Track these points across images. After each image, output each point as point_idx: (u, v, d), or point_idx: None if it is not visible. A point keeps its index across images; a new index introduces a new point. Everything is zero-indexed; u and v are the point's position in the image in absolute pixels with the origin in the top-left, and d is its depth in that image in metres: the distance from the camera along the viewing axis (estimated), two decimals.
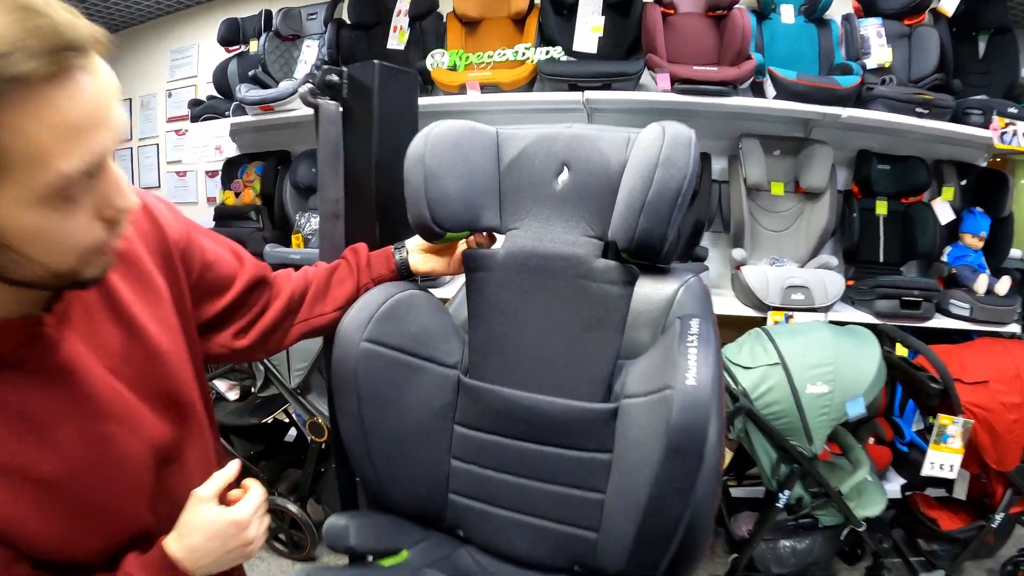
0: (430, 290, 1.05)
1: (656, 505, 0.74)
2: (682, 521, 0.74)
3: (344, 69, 1.07)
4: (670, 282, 1.00)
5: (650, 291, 0.99)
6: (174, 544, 0.68)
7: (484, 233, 1.00)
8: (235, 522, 0.71)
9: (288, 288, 0.93)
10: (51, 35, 0.46)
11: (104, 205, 0.54)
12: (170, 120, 3.51)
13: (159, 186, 3.57)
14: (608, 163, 0.93)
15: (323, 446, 2.09)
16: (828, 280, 2.23)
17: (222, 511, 0.71)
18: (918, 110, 2.28)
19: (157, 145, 3.57)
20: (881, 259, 2.54)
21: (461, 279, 1.03)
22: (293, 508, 2.14)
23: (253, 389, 2.27)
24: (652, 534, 0.77)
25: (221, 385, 2.52)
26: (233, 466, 0.75)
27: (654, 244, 0.84)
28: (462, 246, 1.01)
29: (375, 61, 1.07)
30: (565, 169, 0.97)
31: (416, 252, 1.01)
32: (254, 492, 0.75)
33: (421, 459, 0.98)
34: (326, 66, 1.06)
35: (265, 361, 2.02)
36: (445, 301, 1.11)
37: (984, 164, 2.72)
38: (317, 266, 1.00)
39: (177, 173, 3.50)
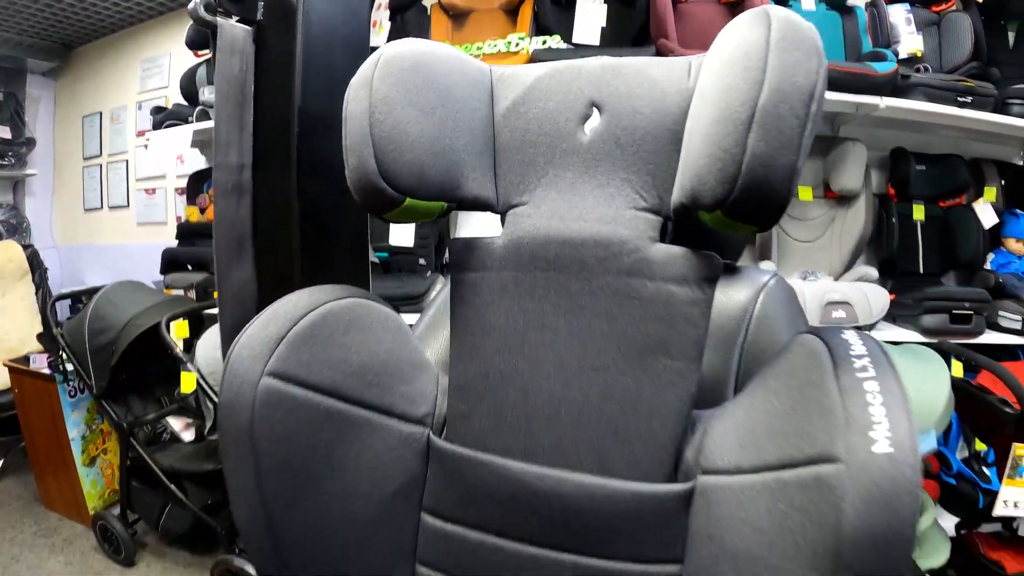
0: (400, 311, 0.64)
1: None
2: None
3: None
4: (742, 285, 0.63)
5: (722, 295, 0.60)
6: None
7: None
8: None
9: None
10: None
11: None
12: (139, 134, 3.13)
13: (127, 205, 3.18)
14: (665, 94, 0.55)
15: None
16: (871, 294, 1.85)
17: None
18: (960, 99, 1.93)
19: (127, 161, 3.18)
20: (921, 270, 2.18)
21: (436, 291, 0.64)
22: (253, 572, 1.71)
23: (204, 431, 1.86)
24: None
25: (176, 424, 2.11)
26: None
27: (776, 183, 0.44)
28: None
29: None
30: (596, 111, 0.58)
31: None
32: None
33: (364, 568, 0.57)
34: None
35: (214, 397, 1.61)
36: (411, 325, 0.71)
37: (1021, 163, 2.38)
38: None
39: (146, 191, 3.11)
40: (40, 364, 2.42)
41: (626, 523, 0.51)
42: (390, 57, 0.53)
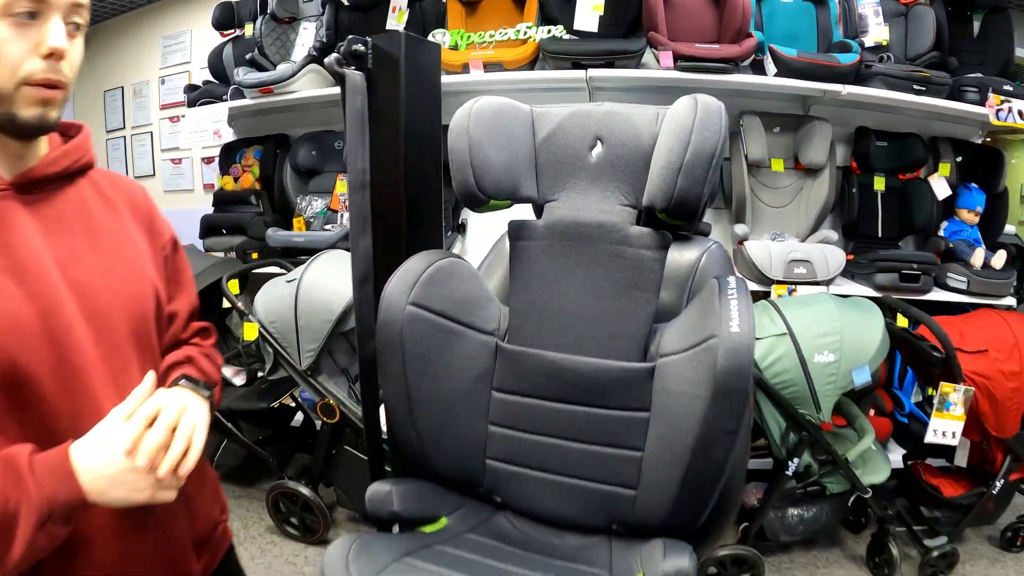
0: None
1: (703, 449, 0.77)
2: (727, 464, 0.77)
3: (369, 39, 1.07)
4: (693, 249, 1.03)
5: (675, 257, 1.01)
6: (80, 456, 0.66)
7: None
8: (132, 434, 0.67)
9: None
10: None
11: (42, 44, 0.65)
12: (163, 107, 3.46)
13: (154, 174, 3.53)
14: (640, 136, 0.95)
15: (334, 428, 2.10)
16: (829, 254, 2.27)
17: (128, 437, 0.67)
18: (916, 87, 2.31)
19: (151, 133, 3.52)
20: (880, 234, 2.59)
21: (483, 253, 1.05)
22: (305, 491, 2.14)
23: (261, 372, 2.27)
24: (696, 481, 0.80)
25: (227, 371, 2.52)
26: (149, 380, 0.73)
27: (691, 203, 0.86)
28: None
29: (400, 31, 1.07)
30: (599, 143, 0.99)
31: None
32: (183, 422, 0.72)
33: (460, 425, 0.99)
34: (351, 36, 1.06)
35: (274, 343, 2.01)
36: None
37: (979, 141, 2.76)
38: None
39: (172, 161, 3.46)
40: None
41: (616, 386, 0.93)
42: (477, 112, 0.94)
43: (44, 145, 0.75)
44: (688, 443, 0.80)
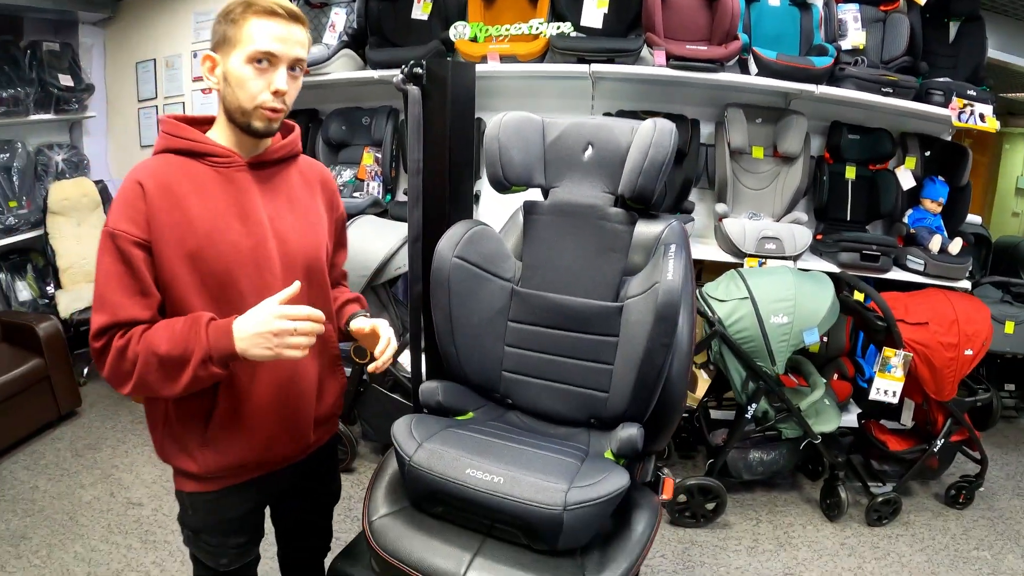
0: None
1: (648, 358, 1.26)
2: (664, 368, 1.26)
3: (424, 63, 1.54)
4: (659, 224, 1.51)
5: (645, 229, 1.50)
6: (238, 324, 1.07)
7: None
8: (273, 313, 1.06)
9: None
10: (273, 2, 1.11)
11: (270, 84, 1.12)
12: (195, 80, 3.92)
13: None
14: (619, 143, 1.44)
15: (363, 368, 2.60)
16: (797, 233, 2.75)
17: (271, 306, 1.07)
18: (884, 89, 2.76)
19: (183, 103, 3.98)
20: (848, 217, 3.07)
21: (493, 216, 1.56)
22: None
23: None
24: (644, 380, 1.29)
25: None
26: (294, 287, 1.11)
27: (647, 194, 1.37)
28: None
29: (448, 59, 1.55)
30: (590, 147, 1.48)
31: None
32: (305, 310, 1.09)
33: (485, 345, 1.49)
34: (413, 61, 1.53)
35: None
36: None
37: (948, 138, 3.20)
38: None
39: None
40: None
41: (596, 319, 1.43)
42: (504, 124, 1.43)
43: (269, 139, 1.23)
44: (639, 355, 1.29)
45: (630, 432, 1.29)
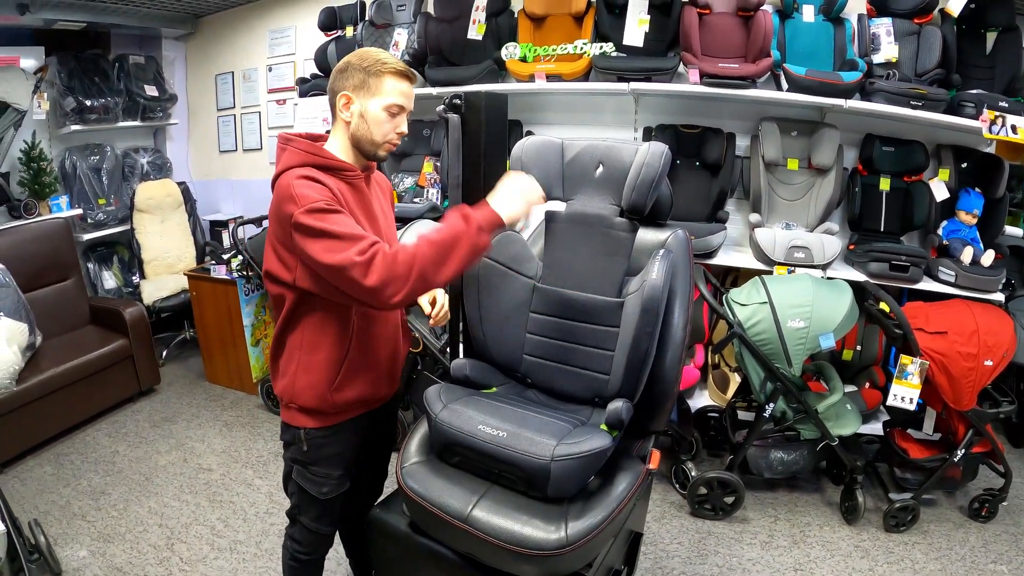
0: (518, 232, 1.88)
1: (635, 344, 1.56)
2: (649, 353, 1.56)
3: (463, 93, 1.89)
4: (665, 232, 1.81)
5: (652, 236, 1.80)
6: (491, 199, 1.50)
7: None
8: (512, 181, 1.55)
9: None
10: (402, 65, 1.57)
11: (396, 127, 1.58)
12: (271, 91, 4.42)
13: (261, 148, 4.51)
14: (625, 163, 1.76)
15: (416, 357, 2.97)
16: (827, 242, 2.96)
17: (508, 182, 1.55)
18: (913, 102, 2.93)
19: (259, 113, 4.49)
20: (882, 228, 3.25)
21: (527, 232, 1.88)
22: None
23: None
24: (632, 363, 1.59)
25: None
26: None
27: (639, 206, 1.69)
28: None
29: (482, 91, 1.89)
30: (601, 166, 1.80)
31: None
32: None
33: (509, 332, 1.83)
34: (454, 93, 1.88)
35: None
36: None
37: (989, 150, 3.29)
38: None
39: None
40: (219, 272, 3.75)
41: (602, 311, 1.75)
42: (527, 147, 1.78)
43: None
44: (629, 341, 1.59)
45: (617, 405, 1.59)
